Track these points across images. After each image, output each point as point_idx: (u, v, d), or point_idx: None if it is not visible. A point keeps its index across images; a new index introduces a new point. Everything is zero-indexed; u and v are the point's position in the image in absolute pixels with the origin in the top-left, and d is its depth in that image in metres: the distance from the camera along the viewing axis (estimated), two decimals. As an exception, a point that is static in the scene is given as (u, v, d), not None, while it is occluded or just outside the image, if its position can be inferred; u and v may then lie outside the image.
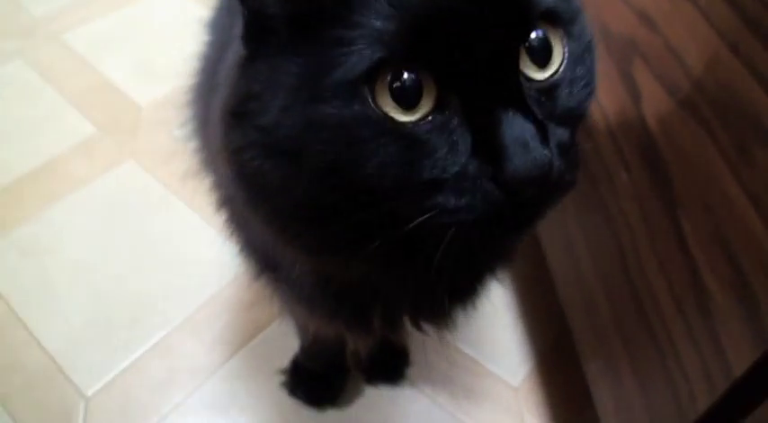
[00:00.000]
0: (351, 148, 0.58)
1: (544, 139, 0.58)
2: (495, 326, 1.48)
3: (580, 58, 0.65)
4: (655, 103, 0.92)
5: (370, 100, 0.57)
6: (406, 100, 0.57)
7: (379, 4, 0.56)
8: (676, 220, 0.88)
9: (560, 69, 0.63)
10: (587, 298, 1.18)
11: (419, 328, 0.91)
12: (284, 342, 1.39)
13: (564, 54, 0.63)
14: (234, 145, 0.65)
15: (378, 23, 0.56)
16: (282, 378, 1.39)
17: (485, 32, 0.57)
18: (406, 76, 0.57)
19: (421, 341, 1.37)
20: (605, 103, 1.03)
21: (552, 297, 1.36)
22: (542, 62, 0.62)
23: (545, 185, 0.58)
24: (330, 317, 0.90)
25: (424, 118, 0.58)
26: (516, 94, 0.58)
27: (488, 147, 0.57)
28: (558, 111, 0.62)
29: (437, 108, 0.58)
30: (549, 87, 0.62)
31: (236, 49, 0.67)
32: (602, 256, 1.12)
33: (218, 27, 0.98)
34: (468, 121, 0.58)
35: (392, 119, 0.57)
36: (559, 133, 0.61)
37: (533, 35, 0.61)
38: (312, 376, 1.38)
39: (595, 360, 1.19)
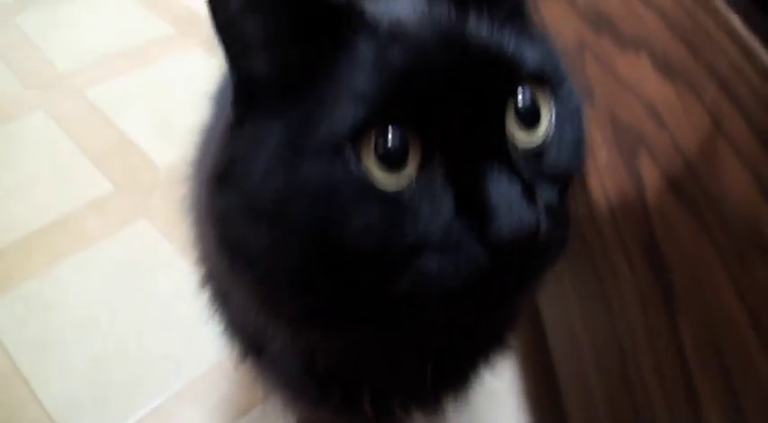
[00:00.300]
0: (333, 209, 0.57)
1: (531, 198, 0.56)
2: (496, 409, 1.45)
3: (568, 120, 0.65)
4: (659, 199, 0.91)
5: (354, 159, 0.56)
6: (391, 159, 0.57)
7: (362, 61, 0.57)
8: (675, 324, 0.86)
9: (548, 131, 0.63)
10: (586, 392, 1.15)
11: (409, 413, 0.89)
12: (279, 417, 1.37)
13: (551, 116, 0.64)
14: (218, 210, 0.65)
15: (361, 81, 0.56)
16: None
17: (470, 91, 0.57)
18: (390, 134, 0.56)
19: None
20: (610, 192, 1.02)
21: (554, 384, 1.34)
22: (529, 123, 0.61)
23: (532, 247, 0.57)
24: (316, 402, 0.89)
25: (409, 178, 0.57)
26: (502, 152, 0.58)
27: (473, 206, 0.56)
28: (546, 171, 0.62)
29: (422, 167, 0.57)
30: (537, 148, 0.62)
31: (226, 115, 0.67)
32: (602, 351, 1.09)
33: (222, 100, 0.97)
34: (452, 180, 0.57)
35: (376, 179, 0.56)
36: (548, 193, 0.61)
37: (520, 95, 0.61)
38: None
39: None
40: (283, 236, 0.59)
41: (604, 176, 1.03)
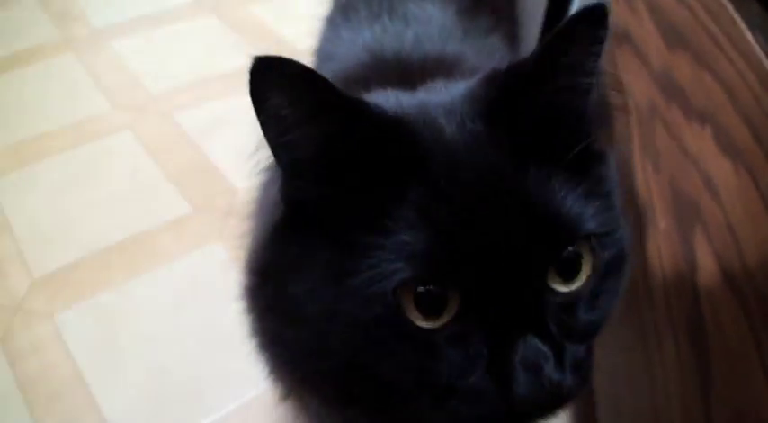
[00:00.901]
0: (369, 344, 0.60)
1: (559, 361, 0.58)
2: None
3: (609, 269, 0.64)
4: (710, 281, 0.89)
5: (393, 303, 0.57)
6: (429, 311, 0.58)
7: (410, 214, 0.57)
8: (708, 408, 0.85)
9: (587, 281, 0.62)
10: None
11: None
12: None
13: (592, 266, 0.63)
14: (260, 303, 0.70)
15: (407, 237, 0.57)
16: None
17: (519, 252, 0.57)
18: (432, 290, 0.58)
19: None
20: (666, 262, 1.01)
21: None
22: (570, 277, 0.61)
23: (554, 406, 0.60)
24: None
25: (443, 327, 0.58)
26: (538, 315, 0.58)
27: (502, 366, 0.58)
28: (578, 326, 0.62)
29: (457, 318, 0.59)
30: (572, 300, 0.61)
31: (274, 196, 0.69)
32: (641, 419, 1.09)
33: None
34: (485, 337, 0.59)
35: (413, 323, 0.58)
36: (576, 350, 0.61)
37: (565, 253, 0.61)
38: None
39: None
40: (322, 350, 0.63)
41: (662, 245, 1.03)
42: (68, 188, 2.02)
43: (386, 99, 0.68)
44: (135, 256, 1.82)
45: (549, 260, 0.59)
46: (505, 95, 0.62)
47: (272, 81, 0.57)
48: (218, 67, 2.45)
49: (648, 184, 1.12)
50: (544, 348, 0.57)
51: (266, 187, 0.88)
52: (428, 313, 0.58)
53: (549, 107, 0.61)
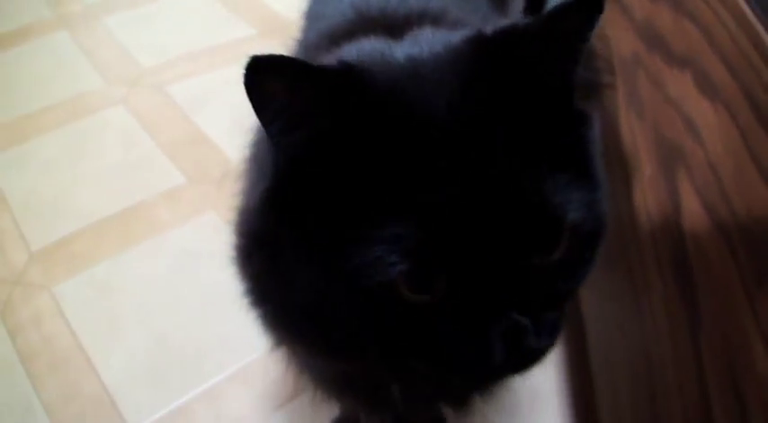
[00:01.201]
0: (360, 313, 0.62)
1: (537, 331, 0.61)
2: (541, 415, 1.45)
3: (588, 240, 0.66)
4: (693, 218, 0.91)
5: (385, 285, 0.59)
6: (417, 290, 0.60)
7: (399, 202, 0.58)
8: (697, 346, 0.86)
9: (566, 252, 0.63)
10: (618, 407, 1.16)
11: (437, 408, 0.93)
12: (327, 404, 1.40)
13: (570, 240, 0.63)
14: (251, 266, 0.72)
15: (400, 229, 0.57)
16: (321, 438, 1.40)
17: (504, 245, 0.58)
18: (423, 279, 0.60)
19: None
20: (651, 206, 1.03)
21: (590, 386, 1.35)
22: (550, 250, 0.62)
23: (529, 366, 0.64)
24: (341, 394, 0.96)
25: (430, 302, 0.61)
26: (520, 291, 0.60)
27: (484, 337, 0.61)
28: (556, 295, 0.65)
29: (444, 295, 0.60)
30: (551, 271, 0.63)
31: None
32: (633, 357, 1.10)
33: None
34: (469, 313, 0.61)
35: (402, 297, 0.60)
36: (552, 316, 0.64)
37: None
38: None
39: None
40: (312, 315, 0.65)
41: (647, 191, 1.05)
42: (63, 162, 2.04)
43: (372, 50, 0.67)
44: (131, 227, 1.84)
45: (533, 248, 0.60)
46: (494, 60, 0.61)
47: (267, 80, 0.56)
48: (208, 41, 2.47)
49: (633, 134, 1.13)
50: (525, 321, 0.60)
51: (258, 145, 0.88)
52: (416, 291, 0.60)
53: (536, 77, 0.62)
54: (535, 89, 0.61)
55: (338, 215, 0.60)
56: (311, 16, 1.18)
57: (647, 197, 1.04)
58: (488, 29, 0.63)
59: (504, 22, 0.63)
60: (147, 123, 2.15)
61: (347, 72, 0.59)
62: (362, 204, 0.59)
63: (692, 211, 0.91)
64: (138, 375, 1.52)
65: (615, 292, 1.17)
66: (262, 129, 0.61)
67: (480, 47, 0.62)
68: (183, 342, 1.58)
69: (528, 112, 0.60)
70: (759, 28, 0.82)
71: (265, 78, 0.55)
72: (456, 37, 0.64)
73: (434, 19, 0.86)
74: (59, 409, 1.47)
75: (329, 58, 0.67)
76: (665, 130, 1.01)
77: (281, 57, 0.55)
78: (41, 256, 1.78)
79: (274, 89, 0.57)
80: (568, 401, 1.46)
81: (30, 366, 1.55)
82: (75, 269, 1.74)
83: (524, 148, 0.59)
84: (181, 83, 2.30)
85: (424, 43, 0.65)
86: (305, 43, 1.04)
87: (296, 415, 1.45)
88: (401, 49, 0.65)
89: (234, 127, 2.08)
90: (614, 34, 1.25)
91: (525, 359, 0.62)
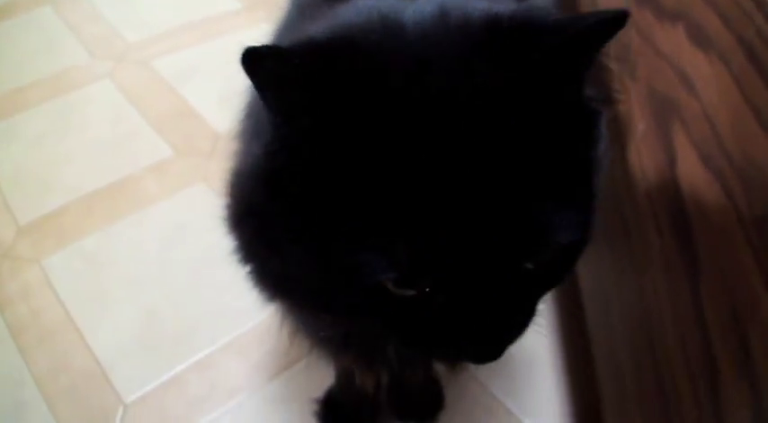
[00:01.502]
0: (347, 295, 0.63)
1: (513, 327, 0.64)
2: (536, 377, 1.46)
3: (573, 246, 0.65)
4: (688, 168, 0.91)
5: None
6: (401, 287, 0.60)
7: (394, 218, 0.56)
8: (698, 295, 0.86)
9: (548, 263, 0.64)
10: (617, 366, 1.16)
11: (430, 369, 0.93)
12: (322, 372, 1.40)
13: (554, 247, 0.62)
14: (242, 229, 0.72)
15: (388, 241, 0.56)
16: (315, 407, 1.40)
17: (489, 259, 0.58)
18: (408, 282, 0.60)
19: (458, 386, 1.40)
20: (646, 162, 1.02)
21: (588, 349, 1.35)
22: (534, 262, 0.62)
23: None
24: (337, 352, 0.95)
25: (414, 297, 0.61)
26: (500, 296, 0.61)
27: (461, 332, 0.62)
28: (534, 293, 0.66)
29: (426, 295, 0.61)
30: (531, 273, 0.62)
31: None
32: (632, 324, 1.10)
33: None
34: (450, 311, 0.61)
35: (387, 288, 0.61)
36: (529, 309, 0.66)
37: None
38: (344, 409, 1.38)
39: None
40: (300, 284, 0.67)
41: (641, 147, 1.04)
42: (50, 137, 2.03)
43: (370, 11, 0.62)
44: (118, 200, 1.83)
45: (516, 261, 0.60)
46: (508, 50, 0.58)
47: (264, 70, 0.55)
48: (194, 15, 2.45)
49: (627, 93, 1.12)
50: (501, 321, 0.62)
51: (252, 105, 0.86)
52: (400, 288, 0.61)
53: (547, 78, 0.58)
54: (544, 93, 0.58)
55: (327, 210, 0.59)
56: None
57: (642, 154, 1.04)
58: (506, 14, 0.60)
59: (522, 7, 0.60)
60: (134, 98, 2.13)
61: (329, 53, 0.56)
62: (352, 205, 0.57)
63: (689, 164, 0.91)
64: (129, 347, 1.51)
65: (611, 248, 1.16)
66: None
67: (495, 33, 0.59)
68: (175, 314, 1.57)
69: (533, 117, 0.57)
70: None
71: (255, 69, 0.54)
72: (475, 11, 0.61)
73: None
74: (50, 381, 1.46)
75: (319, 27, 0.64)
76: (658, 85, 1.01)
77: (261, 49, 0.53)
78: (30, 230, 1.77)
79: (265, 79, 0.56)
80: (564, 363, 1.46)
81: (19, 340, 1.54)
82: (63, 242, 1.73)
83: (523, 159, 0.56)
84: (167, 57, 2.28)
85: (438, 10, 0.61)
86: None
87: (291, 384, 1.45)
88: (411, 13, 0.61)
89: (221, 99, 2.11)
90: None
91: (501, 349, 0.64)
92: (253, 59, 0.52)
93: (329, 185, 0.58)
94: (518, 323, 0.65)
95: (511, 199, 0.56)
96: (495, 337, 0.63)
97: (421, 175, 0.55)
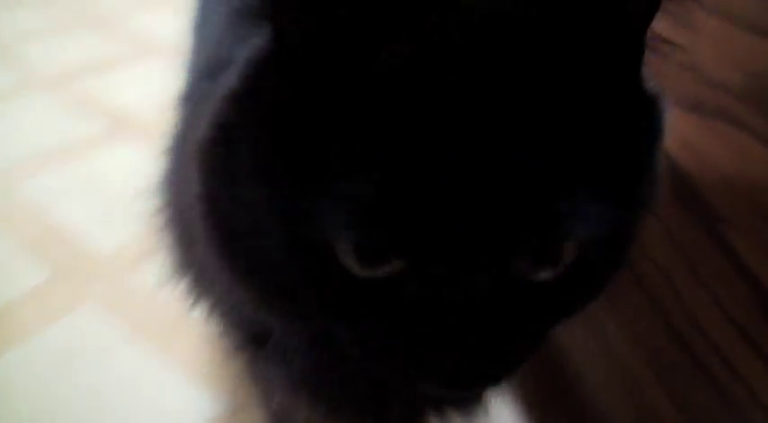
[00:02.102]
0: (302, 279, 0.52)
1: (493, 359, 0.49)
2: None
3: (598, 255, 0.53)
4: None
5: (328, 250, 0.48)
6: (368, 264, 0.48)
7: (365, 160, 0.45)
8: (720, 237, 0.76)
9: (563, 271, 0.51)
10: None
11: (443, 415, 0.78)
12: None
13: (573, 253, 0.51)
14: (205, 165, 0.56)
15: (357, 187, 0.45)
16: None
17: (483, 241, 0.46)
18: (374, 251, 0.48)
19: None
20: None
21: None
22: (540, 267, 0.50)
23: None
24: (329, 404, 0.76)
25: (379, 279, 0.49)
26: (488, 306, 0.48)
27: (439, 345, 0.49)
28: (552, 313, 0.54)
29: (397, 277, 0.49)
30: (538, 290, 0.51)
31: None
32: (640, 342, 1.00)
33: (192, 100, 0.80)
34: (426, 307, 0.49)
35: (347, 271, 0.49)
36: (517, 348, 0.52)
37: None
38: None
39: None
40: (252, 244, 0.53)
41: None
42: None
43: None
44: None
45: (517, 252, 0.48)
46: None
47: None
48: (58, 140, 2.34)
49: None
50: (496, 338, 0.48)
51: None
52: (366, 264, 0.49)
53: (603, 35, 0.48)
54: (598, 55, 0.48)
55: (301, 138, 0.47)
56: None
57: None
58: None
59: None
60: (1, 225, 1.98)
61: None
62: (336, 128, 0.46)
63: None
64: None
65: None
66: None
67: None
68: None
69: (578, 80, 0.47)
70: None
71: None
72: None
73: None
74: None
75: None
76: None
77: None
78: None
79: None
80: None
81: None
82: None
83: (556, 129, 0.46)
84: (32, 181, 2.14)
85: None
86: None
87: None
88: None
89: (95, 220, 1.98)
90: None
91: (473, 379, 0.50)
92: None
93: (317, 105, 0.47)
94: (515, 351, 0.51)
95: (533, 165, 0.45)
96: (482, 360, 0.48)
97: (428, 100, 0.44)
